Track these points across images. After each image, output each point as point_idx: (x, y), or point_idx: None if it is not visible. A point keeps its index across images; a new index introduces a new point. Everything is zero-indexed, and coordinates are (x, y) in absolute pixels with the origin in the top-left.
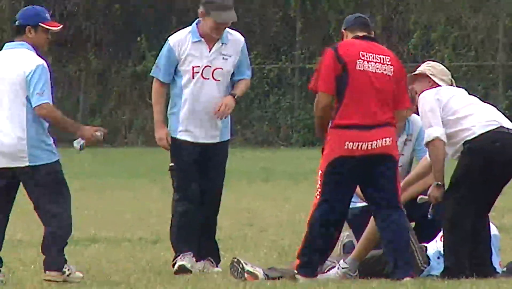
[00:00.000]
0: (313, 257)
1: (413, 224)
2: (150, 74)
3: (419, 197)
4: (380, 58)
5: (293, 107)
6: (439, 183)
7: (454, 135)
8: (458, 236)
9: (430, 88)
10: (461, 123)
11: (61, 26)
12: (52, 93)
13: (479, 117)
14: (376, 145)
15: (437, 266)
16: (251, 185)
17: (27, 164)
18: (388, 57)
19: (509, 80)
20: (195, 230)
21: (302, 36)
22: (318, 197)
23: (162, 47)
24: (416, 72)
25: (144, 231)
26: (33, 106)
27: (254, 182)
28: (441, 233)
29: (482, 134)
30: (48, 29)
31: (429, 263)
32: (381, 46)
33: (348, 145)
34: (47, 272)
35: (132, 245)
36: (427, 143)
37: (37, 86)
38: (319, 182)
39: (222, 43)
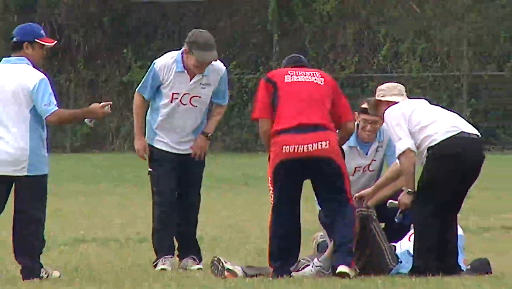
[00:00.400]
0: (282, 256)
1: (383, 225)
2: (137, 90)
3: (389, 201)
4: (308, 72)
5: None
6: (410, 190)
7: (420, 144)
8: (427, 238)
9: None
10: (424, 131)
11: (55, 42)
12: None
13: (440, 124)
14: (312, 148)
15: (406, 265)
16: (232, 189)
17: (25, 173)
18: (318, 72)
19: (472, 90)
20: (173, 232)
21: (279, 48)
22: (272, 201)
23: (148, 61)
24: (370, 103)
25: (130, 231)
26: (44, 117)
27: (234, 186)
28: (410, 233)
29: (444, 140)
30: (44, 44)
31: (398, 262)
32: (310, 68)
33: (285, 148)
34: (25, 280)
35: (119, 244)
36: (399, 156)
37: (43, 99)
38: (270, 188)
39: (203, 75)
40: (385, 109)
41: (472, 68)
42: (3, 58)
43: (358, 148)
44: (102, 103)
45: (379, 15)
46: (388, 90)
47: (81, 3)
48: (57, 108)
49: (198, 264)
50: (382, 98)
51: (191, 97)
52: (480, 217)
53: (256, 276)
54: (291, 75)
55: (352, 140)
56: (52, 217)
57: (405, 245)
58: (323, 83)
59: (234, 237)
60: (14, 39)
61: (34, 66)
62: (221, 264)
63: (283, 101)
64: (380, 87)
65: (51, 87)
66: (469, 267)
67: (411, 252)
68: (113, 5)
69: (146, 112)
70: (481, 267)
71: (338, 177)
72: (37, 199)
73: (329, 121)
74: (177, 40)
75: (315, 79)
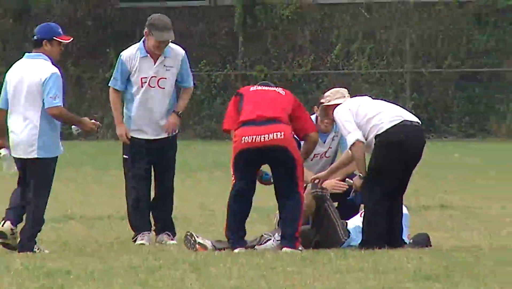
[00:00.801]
0: (237, 228)
1: (336, 204)
2: (109, 85)
3: (347, 179)
4: (273, 88)
5: None
6: (361, 175)
7: (368, 134)
8: (375, 216)
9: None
10: (371, 122)
11: (72, 39)
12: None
13: (385, 115)
14: (268, 138)
15: (356, 238)
16: (203, 172)
17: (35, 155)
18: (280, 88)
19: (414, 85)
20: (148, 210)
21: (244, 48)
22: (233, 181)
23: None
24: (320, 110)
25: (112, 209)
26: (45, 107)
27: (205, 169)
28: (361, 211)
29: (389, 128)
30: (61, 41)
31: (349, 236)
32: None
33: (244, 139)
34: (19, 253)
35: (102, 221)
36: (350, 147)
37: (51, 91)
38: (232, 171)
39: (165, 57)
40: (333, 111)
41: (414, 66)
42: (25, 54)
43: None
44: (93, 121)
45: (332, 19)
46: (332, 95)
47: (71, 8)
48: (60, 104)
49: (172, 239)
50: (329, 103)
51: (158, 80)
52: (421, 197)
53: (224, 249)
54: (257, 87)
55: None
56: None
57: (357, 221)
58: (284, 94)
59: (204, 214)
60: (35, 37)
61: (52, 62)
62: (193, 238)
63: (247, 102)
64: (325, 94)
65: (63, 85)
66: (411, 241)
67: (361, 227)
68: (97, 10)
69: (123, 103)
70: (422, 241)
71: (291, 164)
72: (43, 180)
73: (285, 117)
74: None
75: (277, 90)
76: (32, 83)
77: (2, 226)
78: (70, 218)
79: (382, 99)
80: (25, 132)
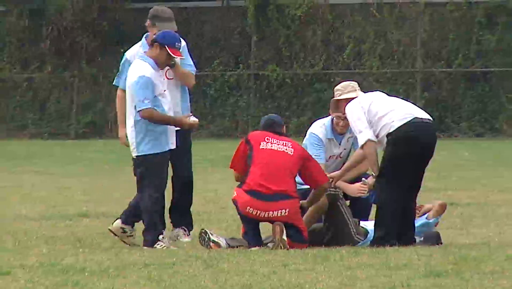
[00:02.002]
0: (253, 231)
1: (348, 202)
2: (114, 84)
3: (363, 179)
4: (282, 142)
5: (249, 106)
6: (374, 174)
7: (380, 132)
8: (388, 214)
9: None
10: (382, 120)
11: (181, 57)
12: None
13: (396, 113)
14: (273, 214)
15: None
16: (215, 170)
17: (135, 154)
18: (290, 143)
19: (425, 84)
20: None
21: (257, 48)
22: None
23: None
24: (331, 104)
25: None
26: (137, 111)
27: (217, 167)
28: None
29: (400, 126)
30: (170, 54)
31: (365, 236)
32: (284, 138)
33: (249, 209)
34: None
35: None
36: (361, 146)
37: (138, 94)
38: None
39: None
40: (345, 106)
41: (425, 65)
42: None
43: (334, 139)
44: (186, 116)
45: (344, 19)
46: (343, 89)
47: (84, 9)
48: (149, 106)
49: (188, 235)
50: (340, 97)
51: (165, 71)
52: (431, 194)
53: (237, 247)
54: (267, 142)
55: (329, 133)
56: (61, 193)
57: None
58: (292, 153)
59: (216, 211)
60: (154, 36)
61: (156, 66)
62: (207, 236)
63: (254, 163)
64: (336, 88)
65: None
66: (422, 238)
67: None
68: (109, 11)
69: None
70: (432, 239)
71: (295, 233)
72: (141, 177)
73: (292, 187)
74: None
75: (286, 149)
76: (128, 84)
77: (112, 224)
78: (85, 216)
79: (394, 96)
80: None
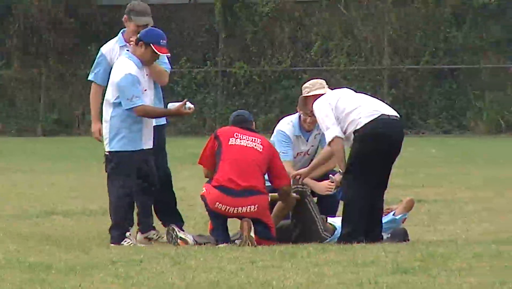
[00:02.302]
0: (222, 227)
1: (315, 199)
2: (89, 79)
3: (330, 175)
4: (251, 138)
5: (216, 103)
6: (341, 171)
7: (347, 129)
8: (355, 210)
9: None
10: (350, 116)
11: (168, 54)
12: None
13: (363, 109)
14: (242, 210)
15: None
16: (183, 167)
17: (108, 149)
18: (259, 139)
19: (392, 81)
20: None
21: (224, 45)
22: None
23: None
24: (299, 102)
25: (94, 205)
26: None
27: (185, 164)
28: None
29: (367, 123)
30: (156, 52)
31: (333, 233)
32: (253, 133)
33: (218, 205)
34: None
35: (85, 216)
36: (329, 143)
37: (125, 94)
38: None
39: None
40: (313, 103)
41: (392, 62)
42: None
43: (302, 136)
44: (181, 103)
45: (312, 16)
46: (311, 86)
47: (51, 6)
48: (140, 103)
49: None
50: (308, 94)
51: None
52: (398, 191)
53: (205, 244)
54: (236, 138)
55: (297, 130)
56: (26, 191)
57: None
58: (262, 149)
59: (184, 208)
60: (138, 35)
61: (141, 65)
62: (175, 233)
63: (223, 159)
64: (304, 85)
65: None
66: (389, 235)
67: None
68: (77, 9)
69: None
70: (400, 235)
71: (263, 229)
72: (113, 173)
73: (261, 182)
74: None
75: (255, 145)
76: (110, 82)
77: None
78: (53, 213)
79: (361, 92)
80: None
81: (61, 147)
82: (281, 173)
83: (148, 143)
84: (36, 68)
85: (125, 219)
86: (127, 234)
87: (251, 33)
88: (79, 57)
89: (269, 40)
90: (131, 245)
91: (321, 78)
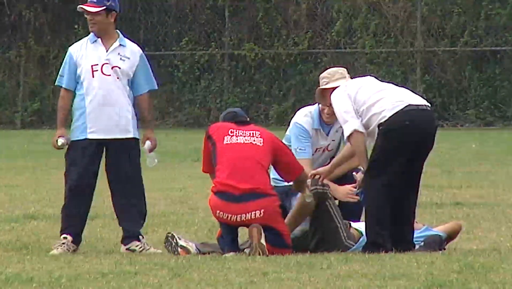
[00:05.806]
0: (231, 233)
1: (337, 201)
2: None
3: (353, 174)
4: (248, 132)
5: (223, 91)
6: (363, 168)
7: (370, 123)
8: (377, 215)
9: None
10: (372, 110)
11: (95, 11)
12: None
13: (386, 101)
14: (246, 217)
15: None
16: (183, 164)
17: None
18: (258, 132)
19: (425, 65)
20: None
21: (231, 24)
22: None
23: None
24: (316, 94)
25: None
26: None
27: (186, 161)
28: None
29: (392, 116)
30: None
31: (358, 240)
32: (251, 127)
33: (219, 213)
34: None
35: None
36: (348, 138)
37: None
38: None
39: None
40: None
41: (426, 44)
42: None
43: (321, 130)
44: (57, 136)
45: None
46: (330, 76)
47: None
48: (60, 85)
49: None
50: (326, 86)
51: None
52: (433, 193)
53: (209, 253)
54: (231, 136)
55: (316, 123)
56: (5, 192)
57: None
58: (262, 144)
59: (184, 211)
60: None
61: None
62: (175, 240)
63: (220, 161)
64: (322, 75)
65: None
66: (422, 243)
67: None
68: None
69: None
70: (434, 244)
71: (275, 237)
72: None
73: (265, 184)
74: (125, 16)
75: (254, 140)
76: None
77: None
78: (32, 218)
79: (388, 82)
80: None
81: (42, 141)
82: (290, 166)
83: (94, 133)
84: (15, 50)
85: (66, 220)
86: (63, 236)
87: (262, 10)
88: (63, 37)
89: (283, 18)
90: (59, 249)
91: (342, 64)
